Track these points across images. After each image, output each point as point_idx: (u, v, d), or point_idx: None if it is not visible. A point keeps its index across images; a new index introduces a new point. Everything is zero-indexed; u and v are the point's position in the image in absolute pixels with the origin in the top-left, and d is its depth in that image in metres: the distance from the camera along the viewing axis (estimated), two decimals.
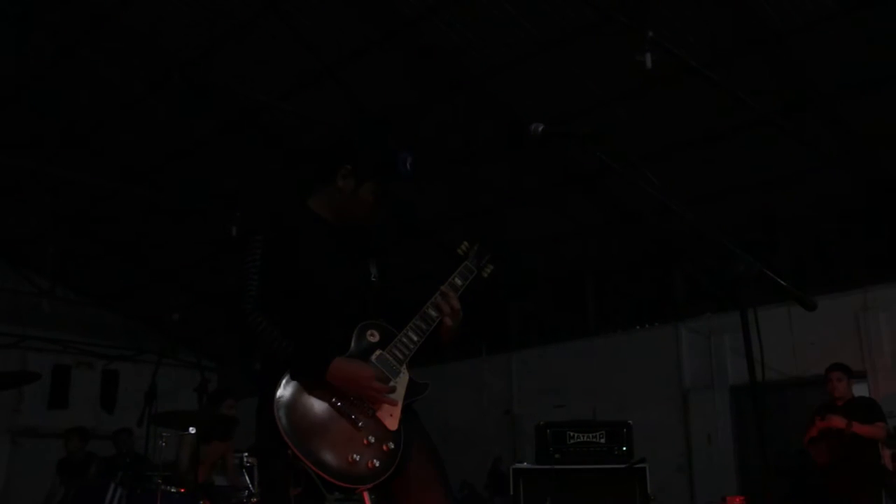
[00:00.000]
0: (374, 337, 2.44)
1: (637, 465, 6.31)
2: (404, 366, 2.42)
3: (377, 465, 2.26)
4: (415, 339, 2.44)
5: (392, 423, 2.34)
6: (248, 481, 5.25)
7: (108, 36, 7.96)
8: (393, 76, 8.01)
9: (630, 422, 6.67)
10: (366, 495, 2.29)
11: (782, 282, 2.02)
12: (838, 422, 6.16)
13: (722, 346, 9.78)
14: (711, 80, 7.05)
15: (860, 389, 9.05)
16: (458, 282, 2.57)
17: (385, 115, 8.30)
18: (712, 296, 10.01)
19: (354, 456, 2.24)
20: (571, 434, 6.53)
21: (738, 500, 6.40)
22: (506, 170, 9.04)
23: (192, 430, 5.58)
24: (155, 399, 5.67)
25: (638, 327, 10.99)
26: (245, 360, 12.25)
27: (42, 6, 7.56)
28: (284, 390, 2.27)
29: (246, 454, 5.28)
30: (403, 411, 2.38)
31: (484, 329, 12.00)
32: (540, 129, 2.39)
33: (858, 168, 8.55)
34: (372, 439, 2.29)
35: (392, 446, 2.31)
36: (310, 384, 2.30)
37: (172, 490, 5.20)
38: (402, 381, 2.41)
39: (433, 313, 2.49)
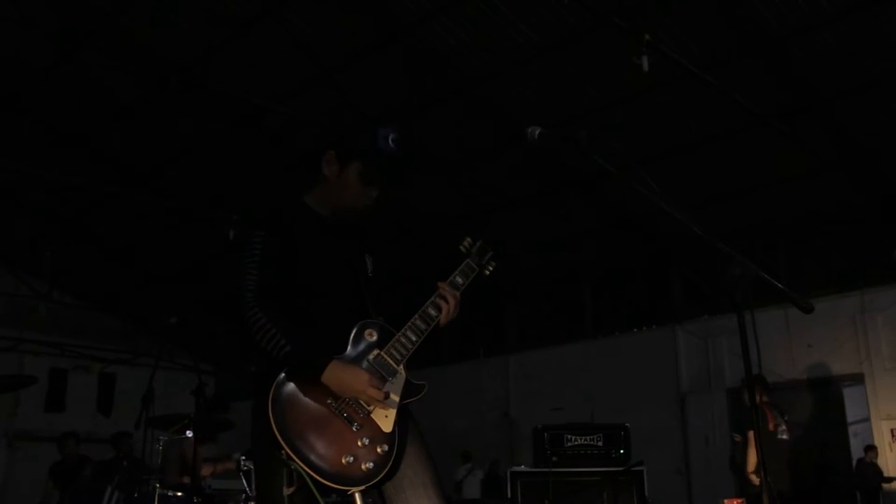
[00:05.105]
0: (372, 336, 2.41)
1: (635, 468, 6.31)
2: (402, 366, 2.39)
3: (371, 467, 2.24)
4: (413, 339, 2.41)
5: (387, 424, 2.31)
6: (246, 484, 5.24)
7: (106, 40, 7.95)
8: (391, 80, 8.01)
9: (628, 424, 6.67)
10: (357, 497, 2.26)
11: (779, 284, 2.03)
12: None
13: (719, 348, 9.78)
14: (709, 84, 7.06)
15: (858, 391, 9.10)
16: (460, 280, 2.52)
17: (383, 119, 8.30)
18: (709, 299, 10.02)
19: (348, 458, 2.22)
20: (569, 437, 6.53)
21: (735, 502, 6.40)
22: (503, 173, 9.04)
23: (189, 433, 5.57)
24: (152, 402, 5.66)
25: (635, 330, 10.99)
26: (242, 363, 12.25)
27: (40, 10, 7.56)
28: (279, 390, 2.26)
29: (243, 457, 5.27)
30: (399, 412, 2.35)
31: (481, 332, 12.00)
32: (537, 132, 2.38)
33: (856, 171, 8.56)
34: (366, 441, 2.26)
35: (386, 448, 2.28)
36: (305, 384, 2.28)
37: (170, 493, 5.19)
38: (398, 382, 2.38)
39: (433, 312, 2.45)
